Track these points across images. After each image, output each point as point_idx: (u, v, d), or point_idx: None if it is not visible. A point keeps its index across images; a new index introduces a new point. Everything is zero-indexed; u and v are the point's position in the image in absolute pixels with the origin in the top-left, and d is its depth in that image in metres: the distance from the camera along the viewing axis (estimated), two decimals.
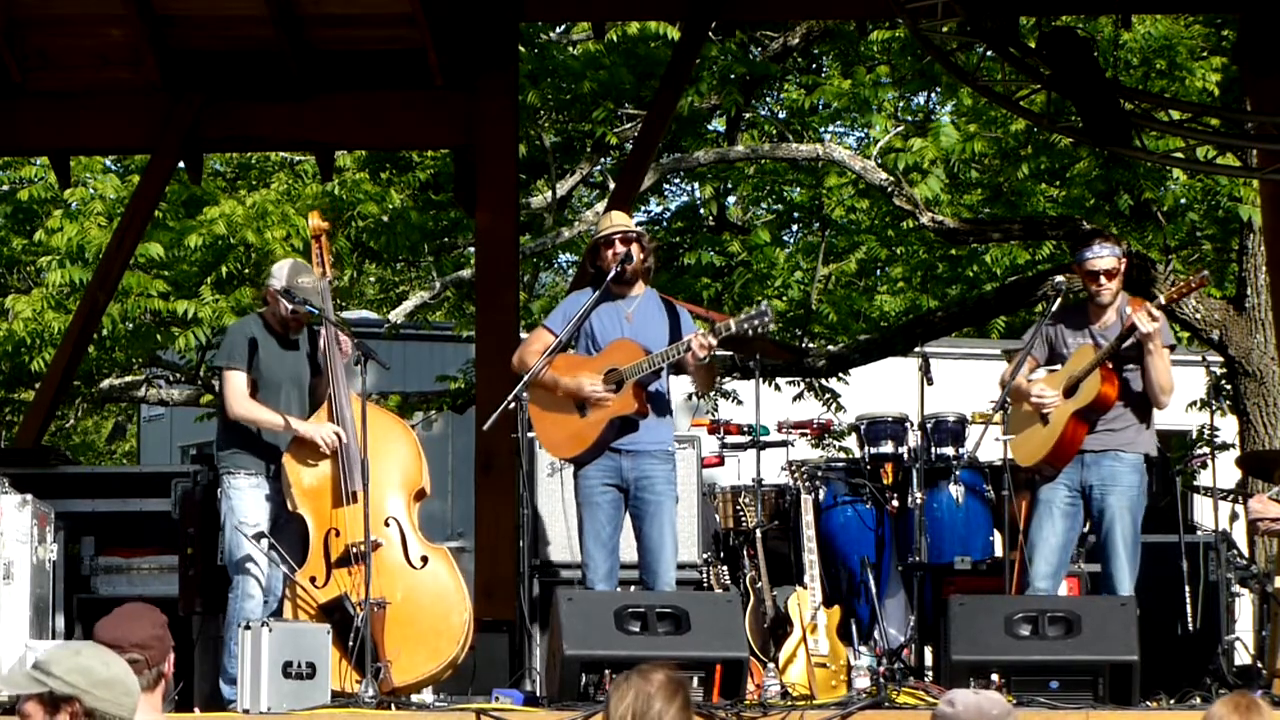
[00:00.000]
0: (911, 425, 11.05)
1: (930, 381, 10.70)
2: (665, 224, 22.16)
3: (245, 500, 9.61)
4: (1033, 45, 11.99)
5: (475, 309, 14.85)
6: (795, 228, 22.26)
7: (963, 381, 17.13)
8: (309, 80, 12.81)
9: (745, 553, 10.82)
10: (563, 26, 19.62)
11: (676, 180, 23.05)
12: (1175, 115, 12.93)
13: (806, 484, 10.88)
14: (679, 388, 10.76)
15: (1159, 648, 9.89)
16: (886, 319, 20.74)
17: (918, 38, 12.26)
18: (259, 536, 9.50)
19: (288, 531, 9.57)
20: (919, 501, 10.47)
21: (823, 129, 21.05)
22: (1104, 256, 9.81)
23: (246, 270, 18.64)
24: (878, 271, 22.35)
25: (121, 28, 12.67)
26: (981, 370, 20.87)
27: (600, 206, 18.70)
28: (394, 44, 12.74)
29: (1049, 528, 9.75)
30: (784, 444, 11.11)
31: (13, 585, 9.63)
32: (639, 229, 10.05)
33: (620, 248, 9.79)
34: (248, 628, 8.91)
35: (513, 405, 9.64)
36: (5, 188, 19.82)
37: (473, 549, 12.48)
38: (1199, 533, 11.59)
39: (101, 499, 11.53)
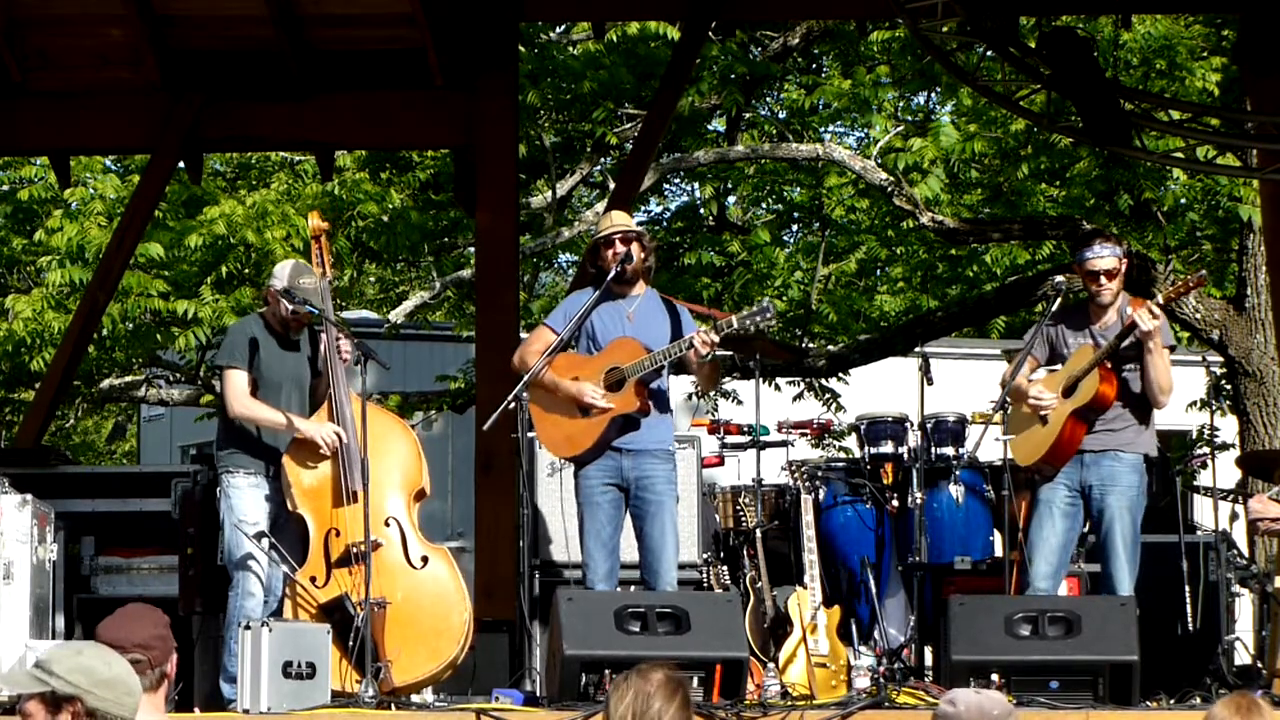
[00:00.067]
0: (911, 425, 11.05)
1: (930, 381, 10.70)
2: (665, 224, 22.16)
3: (244, 499, 9.61)
4: (1033, 45, 11.99)
5: (475, 309, 14.85)
6: (795, 228, 22.27)
7: (963, 381, 17.13)
8: (309, 80, 12.81)
9: (745, 553, 10.82)
10: (563, 26, 19.62)
11: (676, 180, 23.06)
12: (1175, 115, 12.93)
13: (806, 484, 10.88)
14: (679, 388, 10.76)
15: (1159, 648, 9.89)
16: (886, 319, 20.74)
17: (918, 38, 12.26)
18: (259, 536, 9.51)
19: (287, 531, 9.57)
20: (919, 501, 10.47)
21: (823, 129, 21.06)
22: (1104, 256, 9.80)
23: (246, 270, 18.64)
24: (878, 271, 22.35)
25: (121, 28, 12.67)
26: (981, 370, 20.87)
27: (600, 206, 18.70)
28: (394, 44, 12.74)
29: (1049, 528, 9.74)
30: (784, 444, 11.11)
31: (13, 585, 9.63)
32: (639, 229, 10.05)
33: (620, 247, 9.79)
34: (248, 627, 8.91)
35: (513, 405, 9.64)
36: (5, 188, 19.82)
37: (473, 549, 12.48)
38: (1199, 533, 11.58)
39: (101, 499, 11.54)
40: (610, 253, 9.81)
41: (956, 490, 10.86)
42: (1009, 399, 9.81)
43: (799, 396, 19.57)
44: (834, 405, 19.25)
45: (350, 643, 9.14)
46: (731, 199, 22.96)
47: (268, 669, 8.77)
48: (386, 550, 9.49)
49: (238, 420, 9.66)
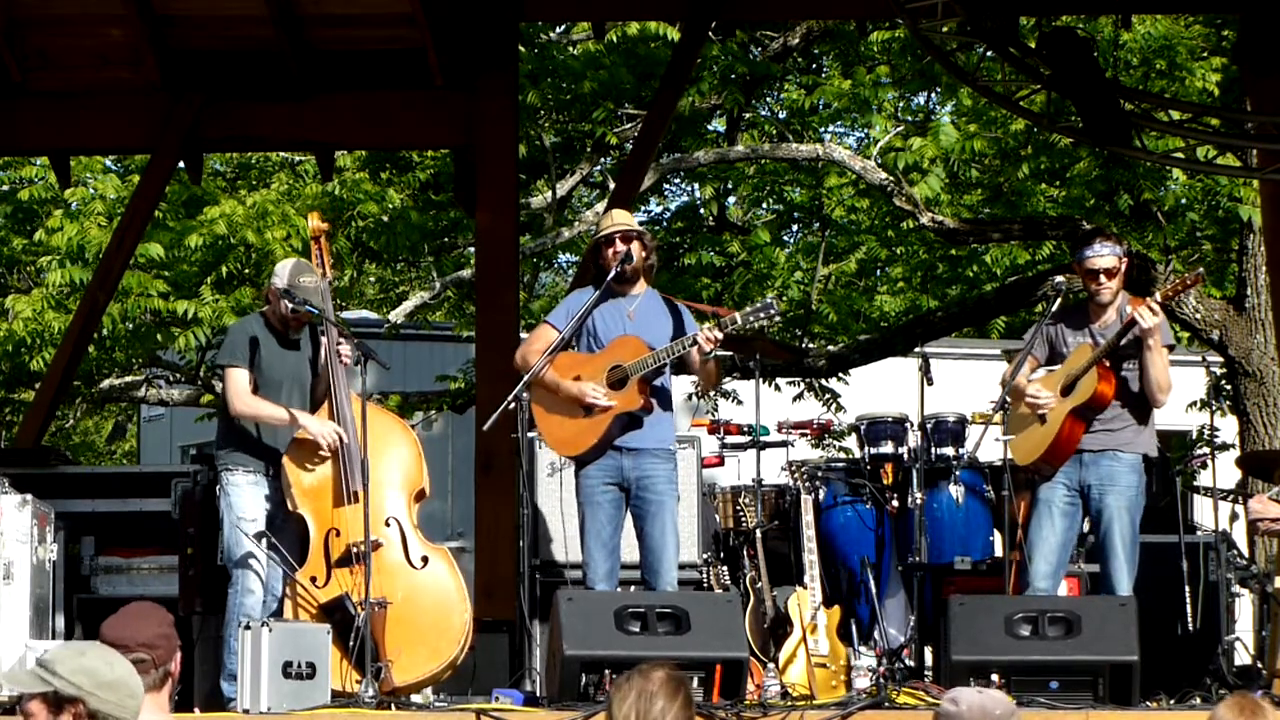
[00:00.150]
0: (911, 425, 11.05)
1: (930, 381, 10.70)
2: (665, 224, 22.16)
3: (244, 497, 9.62)
4: (1033, 45, 11.98)
5: (475, 309, 14.85)
6: (795, 228, 22.27)
7: (963, 381, 17.14)
8: (309, 80, 12.81)
9: (745, 553, 10.81)
10: (563, 26, 19.62)
11: (676, 180, 23.05)
12: (1175, 115, 12.93)
13: (806, 484, 10.88)
14: (679, 387, 10.76)
15: (1159, 648, 9.88)
16: (886, 319, 20.74)
17: (918, 38, 12.25)
18: (259, 535, 9.51)
19: (287, 531, 9.57)
20: (919, 501, 10.47)
21: (823, 129, 21.05)
22: (1104, 255, 9.80)
23: (246, 270, 18.65)
24: (878, 271, 22.35)
25: (121, 28, 12.67)
26: (981, 370, 20.87)
27: (600, 206, 18.70)
28: (394, 44, 12.74)
29: (1048, 527, 9.74)
30: (784, 444, 11.11)
31: (13, 585, 9.63)
32: (640, 228, 10.04)
33: (621, 246, 9.79)
34: (248, 627, 8.91)
35: (513, 405, 9.64)
36: (5, 188, 19.82)
37: (473, 549, 12.48)
38: (1199, 533, 11.58)
39: (101, 499, 11.54)
40: (611, 251, 9.81)
41: (956, 490, 10.86)
42: (1009, 399, 9.81)
43: (799, 396, 19.57)
44: (834, 405, 19.25)
45: (351, 643, 9.14)
46: (731, 199, 22.96)
47: (268, 669, 8.77)
48: (387, 550, 9.50)
49: (240, 419, 9.66)
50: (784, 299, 20.04)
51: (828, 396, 19.42)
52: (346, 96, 12.93)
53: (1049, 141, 17.91)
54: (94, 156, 18.75)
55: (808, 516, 10.69)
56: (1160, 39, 16.94)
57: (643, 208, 22.21)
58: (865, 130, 21.69)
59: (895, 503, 10.88)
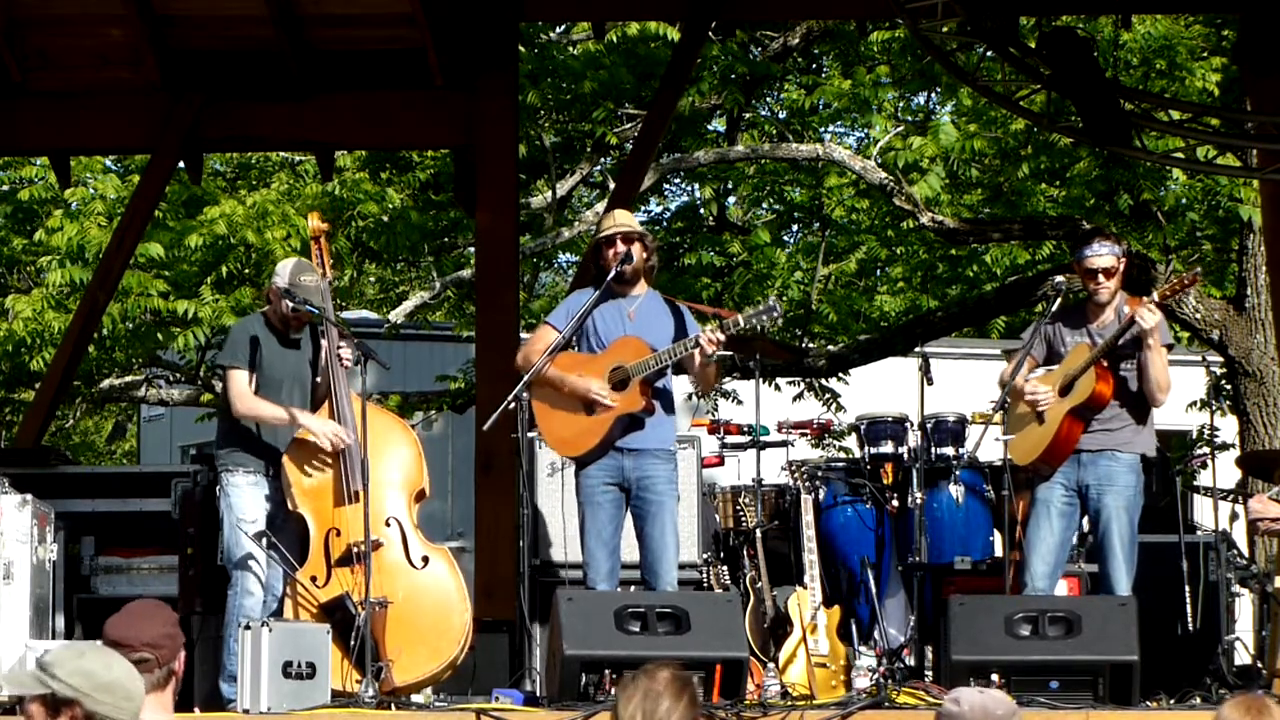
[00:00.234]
0: (911, 425, 11.05)
1: (930, 381, 10.70)
2: (665, 224, 22.16)
3: (244, 498, 9.62)
4: (1033, 45, 11.98)
5: (475, 309, 14.85)
6: (795, 228, 22.27)
7: (963, 381, 17.13)
8: (309, 80, 12.81)
9: (745, 553, 10.81)
10: (563, 26, 19.62)
11: (676, 180, 23.05)
12: (1175, 115, 12.93)
13: (806, 484, 10.88)
14: (679, 388, 10.76)
15: (1159, 648, 9.88)
16: (886, 319, 20.74)
17: (918, 38, 12.25)
18: (260, 535, 9.51)
19: (287, 531, 9.57)
20: (919, 501, 10.47)
21: (823, 129, 21.05)
22: (1102, 255, 9.81)
23: (246, 270, 18.65)
24: (878, 271, 22.35)
25: (121, 28, 12.67)
26: (981, 370, 20.86)
27: (600, 206, 18.71)
28: (394, 44, 12.74)
29: (1045, 528, 9.75)
30: (784, 444, 11.11)
31: (13, 585, 9.63)
32: (641, 229, 10.03)
33: (621, 247, 9.79)
34: (248, 628, 8.91)
35: (513, 405, 9.64)
36: (5, 188, 19.82)
37: (473, 549, 12.48)
38: (1199, 533, 11.58)
39: (101, 499, 11.54)
40: (611, 252, 9.80)
41: (956, 490, 10.86)
42: (1008, 399, 9.81)
43: (799, 396, 19.58)
44: (834, 405, 19.25)
45: (351, 642, 9.14)
46: (731, 199, 22.97)
47: (268, 669, 8.77)
48: (387, 550, 9.50)
49: (242, 419, 9.66)
50: (784, 299, 20.05)
51: (828, 396, 19.42)
52: (346, 96, 12.93)
53: (1049, 141, 17.91)
54: (94, 156, 18.75)
55: (808, 516, 10.69)
56: (1160, 39, 16.95)
57: (643, 208, 22.21)
58: (865, 130, 21.69)
59: (895, 503, 10.88)
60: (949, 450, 10.93)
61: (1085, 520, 9.99)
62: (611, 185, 19.25)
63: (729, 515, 11.35)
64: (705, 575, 10.86)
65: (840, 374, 19.08)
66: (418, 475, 9.70)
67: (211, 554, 10.61)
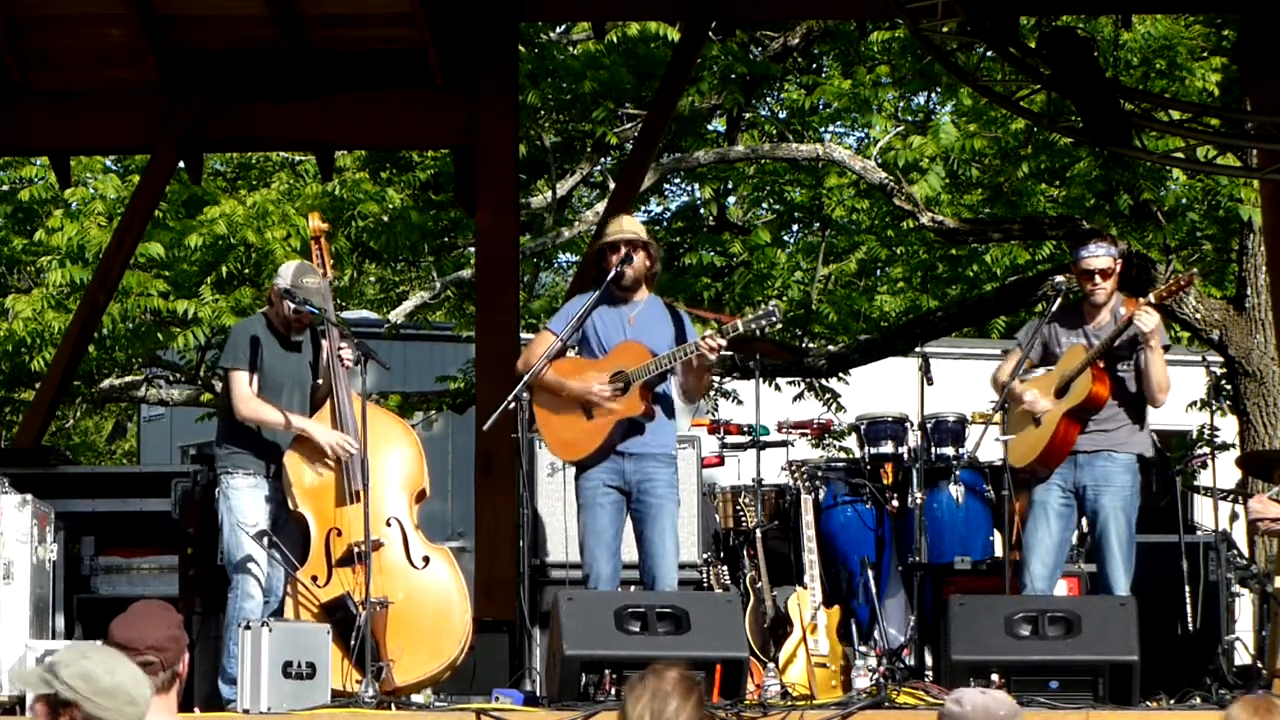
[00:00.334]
0: (911, 425, 11.05)
1: (930, 381, 10.70)
2: (665, 224, 22.16)
3: (244, 499, 9.61)
4: (1033, 45, 11.98)
5: (475, 309, 14.84)
6: (795, 228, 22.26)
7: (963, 381, 17.13)
8: (309, 80, 12.81)
9: (745, 553, 10.82)
10: (563, 26, 19.62)
11: (676, 180, 23.05)
12: (1175, 115, 12.93)
13: (806, 484, 10.88)
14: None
15: (1159, 648, 9.88)
16: (886, 319, 20.74)
17: (918, 38, 12.25)
18: (261, 535, 9.50)
19: (288, 531, 9.57)
20: (919, 501, 10.47)
21: (823, 129, 21.05)
22: (1099, 255, 9.82)
23: (246, 270, 18.65)
24: (878, 271, 22.34)
25: (121, 28, 12.67)
26: (981, 370, 20.75)
27: (600, 206, 18.70)
28: (394, 44, 12.74)
29: (1043, 529, 9.76)
30: (784, 444, 11.11)
31: (13, 585, 9.63)
32: (648, 238, 10.00)
33: (624, 252, 9.78)
34: (248, 628, 8.91)
35: (513, 405, 9.65)
36: (5, 188, 19.82)
37: (473, 549, 12.49)
38: (1199, 533, 11.59)
39: (101, 499, 11.54)
40: (615, 257, 9.80)
41: (956, 490, 10.86)
42: (1007, 401, 9.82)
43: (799, 396, 19.58)
44: (834, 405, 19.26)
45: (352, 642, 9.15)
46: (731, 199, 22.96)
47: (268, 669, 8.77)
48: (388, 550, 9.50)
49: (245, 421, 9.65)
50: (784, 299, 20.05)
51: (828, 396, 19.42)
52: (346, 96, 12.93)
53: (1049, 141, 17.91)
54: (94, 156, 18.75)
55: (808, 516, 10.69)
56: (1160, 39, 16.95)
57: (643, 208, 22.20)
58: (865, 130, 21.68)
59: (895, 503, 10.88)
60: (949, 450, 10.93)
61: (1083, 521, 10.00)
62: (611, 185, 19.25)
63: (729, 515, 11.35)
64: (705, 575, 10.86)
65: (840, 374, 19.08)
66: (418, 475, 9.70)
67: (211, 554, 10.60)
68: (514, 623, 10.65)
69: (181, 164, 13.53)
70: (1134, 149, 12.29)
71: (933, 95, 21.09)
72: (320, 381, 9.76)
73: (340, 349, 9.62)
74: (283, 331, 9.79)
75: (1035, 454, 9.80)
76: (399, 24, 12.53)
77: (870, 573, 10.75)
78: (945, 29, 11.88)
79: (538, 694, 9.56)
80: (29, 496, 9.84)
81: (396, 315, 21.61)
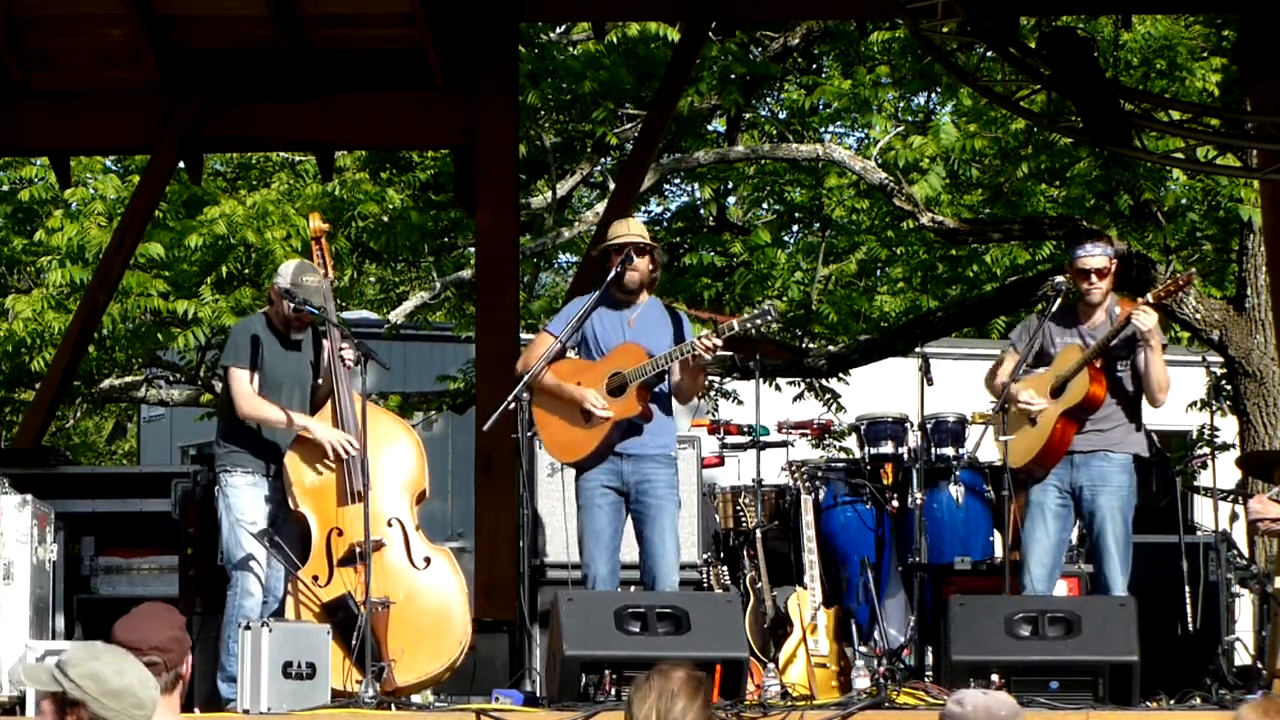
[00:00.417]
0: (911, 425, 11.05)
1: (930, 381, 10.70)
2: (665, 224, 22.16)
3: (243, 498, 9.61)
4: (1033, 45, 11.98)
5: (475, 309, 14.85)
6: (795, 228, 22.27)
7: (963, 381, 17.12)
8: (309, 80, 12.81)
9: (745, 553, 10.82)
10: (563, 27, 19.62)
11: (676, 180, 23.05)
12: (1175, 115, 12.93)
13: (806, 484, 10.88)
14: None
15: (1159, 648, 9.88)
16: (886, 319, 20.74)
17: (918, 38, 12.25)
18: (262, 534, 9.50)
19: (287, 530, 9.57)
20: (919, 502, 10.48)
21: (823, 129, 21.05)
22: (1095, 255, 9.82)
23: (246, 270, 18.65)
24: (878, 272, 22.34)
25: (121, 28, 12.67)
26: (981, 370, 20.79)
27: (600, 207, 18.70)
28: (394, 44, 12.75)
29: (1041, 530, 9.76)
30: (784, 444, 11.11)
31: (13, 585, 9.63)
32: (653, 243, 10.00)
33: (628, 253, 9.77)
34: (248, 628, 8.91)
35: (513, 405, 9.65)
36: (5, 188, 19.82)
37: (473, 549, 12.49)
38: (1199, 533, 11.59)
39: (101, 499, 11.54)
40: (618, 259, 9.79)
41: (956, 490, 10.86)
42: (1005, 402, 9.82)
43: (799, 397, 19.57)
44: (834, 405, 19.26)
45: (353, 642, 9.15)
46: (731, 199, 22.96)
47: (268, 669, 8.77)
48: (389, 550, 9.50)
49: (246, 420, 9.65)
50: (784, 299, 20.05)
51: (828, 396, 19.42)
52: (346, 96, 12.93)
53: (1049, 141, 17.91)
54: (94, 156, 18.75)
55: (808, 516, 10.69)
56: (1160, 39, 16.95)
57: (643, 208, 22.20)
58: (865, 130, 21.69)
59: (895, 503, 10.88)
60: (949, 450, 10.93)
61: (1078, 520, 9.99)
62: (611, 185, 19.25)
63: (729, 515, 11.35)
64: (705, 575, 10.86)
65: (840, 374, 19.08)
66: (419, 476, 9.70)
67: (211, 554, 10.60)
68: (514, 623, 10.65)
69: (181, 164, 13.53)
70: (1134, 149, 12.29)
71: (933, 95, 21.10)
72: (321, 381, 9.76)
73: (341, 349, 9.63)
74: (283, 331, 9.79)
75: (1032, 454, 9.80)
76: (399, 24, 12.54)
77: (870, 573, 10.74)
78: (945, 29, 11.88)
79: (538, 694, 9.56)
80: (29, 497, 9.83)
81: (396, 315, 21.61)
